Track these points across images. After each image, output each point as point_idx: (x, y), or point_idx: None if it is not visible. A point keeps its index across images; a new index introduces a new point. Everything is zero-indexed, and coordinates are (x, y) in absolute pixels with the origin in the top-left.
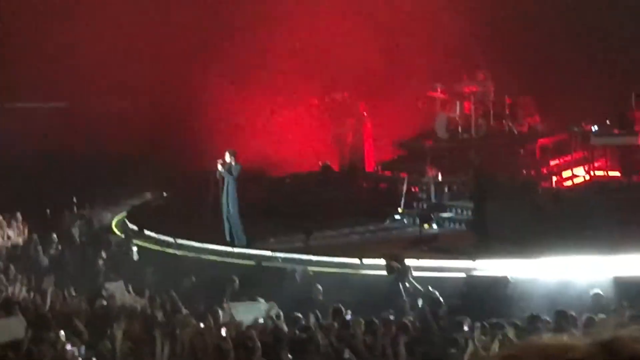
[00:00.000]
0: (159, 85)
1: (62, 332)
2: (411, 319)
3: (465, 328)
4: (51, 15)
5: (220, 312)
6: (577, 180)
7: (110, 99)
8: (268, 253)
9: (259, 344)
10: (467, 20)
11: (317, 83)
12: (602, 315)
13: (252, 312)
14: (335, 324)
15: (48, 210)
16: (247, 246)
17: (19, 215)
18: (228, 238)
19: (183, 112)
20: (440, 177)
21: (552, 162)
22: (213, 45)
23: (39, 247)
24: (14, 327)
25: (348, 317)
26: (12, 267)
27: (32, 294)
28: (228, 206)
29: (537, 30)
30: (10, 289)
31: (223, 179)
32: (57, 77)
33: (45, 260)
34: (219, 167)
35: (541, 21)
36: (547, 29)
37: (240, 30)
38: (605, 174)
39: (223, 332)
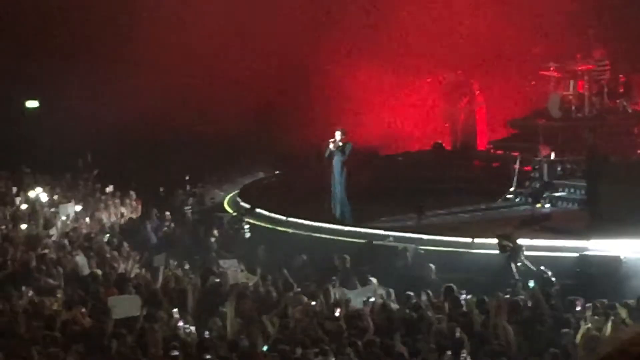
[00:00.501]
0: (273, 61)
1: (174, 310)
2: (523, 298)
3: (578, 308)
4: None
5: (332, 290)
6: None
7: (224, 75)
8: (379, 232)
9: (371, 323)
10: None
11: (431, 62)
12: None
13: (363, 295)
14: (447, 303)
15: (161, 189)
16: (354, 225)
17: (132, 193)
18: (337, 216)
19: (296, 89)
20: (553, 156)
21: None
22: (327, 20)
23: (151, 225)
24: (130, 305)
25: (462, 296)
26: (125, 244)
27: (144, 271)
28: (336, 185)
29: None
30: (123, 266)
31: (333, 157)
32: (171, 56)
33: (155, 238)
34: (330, 145)
35: None
36: None
37: (356, 5)
38: None
39: (337, 312)
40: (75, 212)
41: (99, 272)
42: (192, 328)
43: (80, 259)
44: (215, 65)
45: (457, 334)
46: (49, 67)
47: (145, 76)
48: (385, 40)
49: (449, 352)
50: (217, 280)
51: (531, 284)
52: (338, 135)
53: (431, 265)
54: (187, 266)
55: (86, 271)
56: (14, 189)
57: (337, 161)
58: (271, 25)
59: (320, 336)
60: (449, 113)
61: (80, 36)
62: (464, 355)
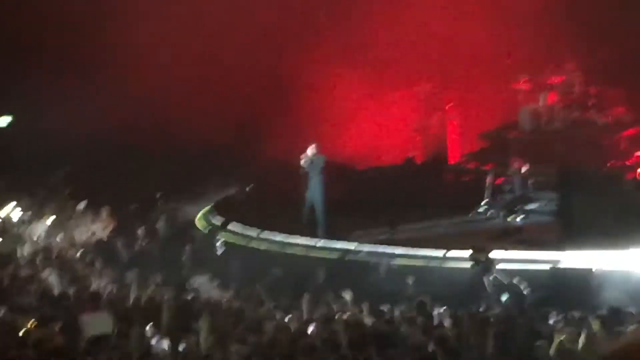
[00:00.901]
0: (246, 78)
1: (147, 327)
2: (496, 311)
3: (551, 321)
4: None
5: (305, 305)
6: None
7: (195, 89)
8: (352, 246)
9: (344, 338)
10: (553, 10)
11: (402, 75)
12: None
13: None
14: (420, 317)
15: (133, 205)
16: (329, 239)
17: (104, 209)
18: (308, 228)
19: (268, 105)
20: (524, 169)
21: (638, 153)
22: (301, 39)
23: (123, 242)
24: (102, 322)
25: (436, 311)
26: (97, 261)
27: (117, 289)
28: (311, 199)
29: (624, 19)
30: (95, 283)
31: (307, 172)
32: (144, 70)
33: (128, 255)
34: (302, 161)
35: (628, 9)
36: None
37: (332, 22)
38: None
39: (310, 328)
40: (48, 229)
41: (72, 290)
42: (166, 344)
43: (52, 277)
44: (193, 79)
45: (430, 348)
46: (23, 82)
47: (121, 90)
48: (360, 54)
49: None
50: (190, 296)
51: (504, 297)
52: (309, 150)
53: (409, 280)
54: (159, 282)
55: (58, 289)
56: None
57: (312, 177)
58: (251, 38)
59: (294, 351)
60: (420, 126)
61: (55, 49)
62: None
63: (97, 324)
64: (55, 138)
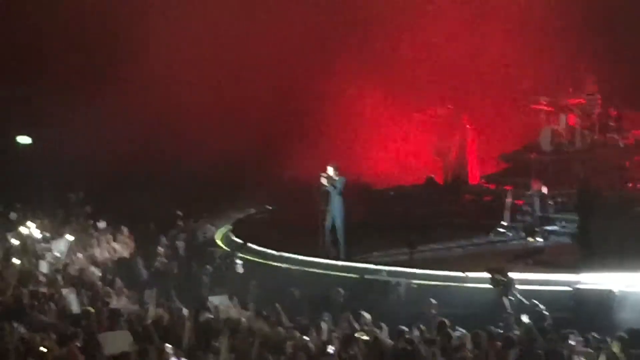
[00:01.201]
0: (267, 99)
1: (167, 345)
2: (517, 332)
3: (572, 342)
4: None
5: (324, 325)
6: None
7: (215, 110)
8: (372, 266)
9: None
10: (573, 32)
11: (422, 96)
12: None
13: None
14: (439, 338)
15: (152, 224)
16: (349, 259)
17: (124, 228)
18: (331, 252)
19: (289, 126)
20: (544, 190)
21: None
22: (322, 60)
23: (143, 261)
24: (121, 340)
25: (457, 333)
26: (117, 280)
27: (136, 307)
28: (333, 220)
29: None
30: (116, 302)
31: (328, 193)
32: (163, 91)
33: (147, 274)
34: (323, 181)
35: None
36: None
37: (354, 44)
38: None
39: (330, 349)
40: (68, 248)
41: (91, 309)
42: None
43: (71, 296)
44: (213, 99)
45: None
46: (42, 102)
47: (138, 109)
48: (381, 75)
49: None
50: (210, 315)
51: (525, 318)
52: (331, 170)
53: (432, 300)
54: (179, 302)
55: (76, 308)
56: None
57: (333, 197)
58: (271, 59)
59: None
60: (440, 147)
61: (71, 71)
62: None
63: (116, 342)
64: (75, 158)
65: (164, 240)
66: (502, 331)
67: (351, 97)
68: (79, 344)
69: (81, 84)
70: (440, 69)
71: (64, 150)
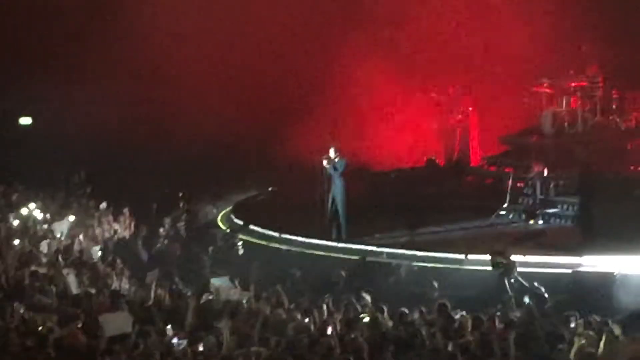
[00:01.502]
0: (267, 80)
1: (168, 327)
2: (517, 314)
3: (572, 324)
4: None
5: (325, 307)
6: None
7: (217, 92)
8: (373, 248)
9: (365, 344)
10: (576, 13)
11: (424, 79)
12: None
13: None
14: (440, 320)
15: (154, 205)
16: (350, 240)
17: (126, 209)
18: (333, 234)
19: (290, 108)
20: (546, 173)
21: None
22: (323, 43)
23: (144, 242)
24: (122, 321)
25: (457, 315)
26: (118, 261)
27: (137, 288)
28: (335, 201)
29: None
30: (116, 283)
31: (329, 175)
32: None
33: (148, 255)
34: (325, 163)
35: None
36: None
37: (354, 26)
38: None
39: (329, 329)
40: (69, 229)
41: (92, 290)
42: (186, 344)
43: (71, 277)
44: (213, 81)
45: (450, 348)
46: (43, 84)
47: (140, 90)
48: (382, 57)
49: None
50: (211, 296)
51: (526, 300)
52: (332, 152)
53: (435, 283)
54: (181, 283)
55: (76, 289)
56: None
57: (335, 179)
58: (270, 39)
59: (314, 352)
60: (442, 129)
61: (74, 52)
62: None
63: (117, 323)
64: (76, 140)
65: (165, 221)
66: (502, 313)
67: (354, 79)
68: (79, 325)
69: (82, 65)
70: (443, 52)
71: (65, 131)
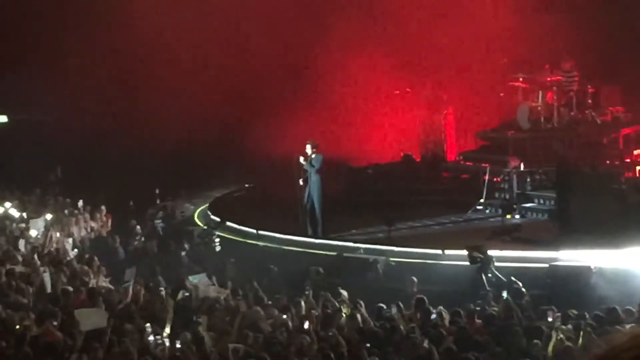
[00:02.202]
0: (243, 78)
1: (147, 324)
2: (495, 309)
3: (550, 318)
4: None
5: (302, 303)
6: None
7: (194, 89)
8: (350, 244)
9: (342, 340)
10: (551, 8)
11: (399, 75)
12: None
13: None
14: (418, 315)
15: (131, 202)
16: (327, 236)
17: (102, 207)
18: (309, 230)
19: (265, 105)
20: (522, 167)
21: (636, 152)
22: (299, 36)
23: (120, 239)
24: (97, 317)
25: (435, 311)
26: (95, 258)
27: (115, 285)
28: (311, 197)
29: (622, 17)
30: (93, 281)
31: (306, 171)
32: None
33: (124, 253)
34: (301, 159)
35: (627, 8)
36: (633, 17)
37: (330, 21)
38: None
39: (305, 324)
40: (45, 227)
41: (70, 288)
42: (166, 341)
43: (46, 276)
44: (189, 71)
45: (425, 345)
46: (18, 81)
47: (115, 88)
48: (354, 53)
49: None
50: (188, 293)
51: (504, 294)
52: (308, 148)
53: (414, 278)
54: (158, 280)
55: (54, 287)
56: None
57: (311, 175)
58: (246, 35)
59: (292, 348)
60: (418, 124)
61: (49, 49)
62: None
63: (92, 318)
64: (52, 137)
65: (142, 218)
66: (479, 308)
67: (331, 75)
68: (55, 323)
69: (57, 62)
70: (419, 48)
71: (42, 129)
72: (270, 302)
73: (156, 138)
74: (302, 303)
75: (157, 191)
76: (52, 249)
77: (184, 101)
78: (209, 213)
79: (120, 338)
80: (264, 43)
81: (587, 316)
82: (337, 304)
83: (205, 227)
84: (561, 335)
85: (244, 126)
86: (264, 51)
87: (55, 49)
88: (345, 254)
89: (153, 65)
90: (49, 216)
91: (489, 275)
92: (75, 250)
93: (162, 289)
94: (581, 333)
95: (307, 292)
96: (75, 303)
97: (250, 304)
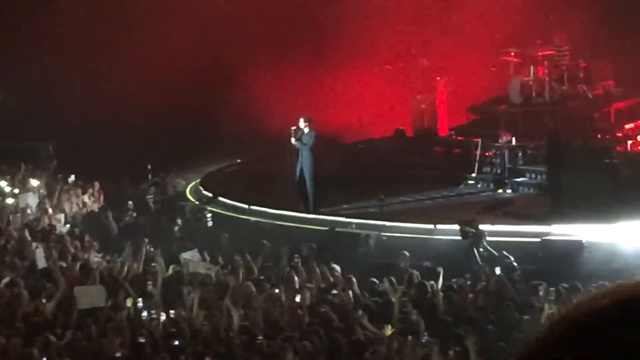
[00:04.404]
0: (237, 48)
1: (139, 299)
2: (486, 283)
3: (541, 293)
4: None
5: (295, 277)
6: None
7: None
8: (341, 219)
9: (333, 315)
10: None
11: (392, 49)
12: None
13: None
14: (413, 290)
15: (124, 178)
16: (319, 212)
17: (95, 183)
18: (301, 206)
19: (258, 79)
20: (514, 142)
21: (628, 126)
22: (291, 11)
23: (113, 214)
24: (95, 295)
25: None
26: (87, 234)
27: (107, 261)
28: (302, 173)
29: None
30: (86, 256)
31: (297, 146)
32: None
33: (118, 228)
34: (293, 133)
35: None
36: None
37: None
38: None
39: (297, 298)
40: (37, 203)
41: (63, 263)
42: (161, 317)
43: (39, 251)
44: (181, 47)
45: (414, 317)
46: (11, 56)
47: (109, 60)
48: (346, 28)
49: (410, 337)
50: (181, 268)
51: (497, 270)
52: (302, 123)
53: (406, 252)
54: (150, 255)
55: (43, 264)
56: None
57: (302, 150)
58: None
59: (284, 323)
60: (410, 99)
61: (43, 23)
62: (425, 338)
63: (91, 296)
64: (43, 112)
65: (134, 193)
66: (471, 282)
67: (322, 50)
68: (48, 300)
69: (52, 37)
70: (411, 21)
71: (34, 104)
72: (262, 277)
73: (147, 113)
74: (295, 277)
75: (149, 166)
76: (45, 225)
77: (178, 75)
78: (201, 188)
79: (114, 313)
80: (256, 19)
81: (580, 289)
82: (330, 278)
83: (197, 202)
84: (553, 310)
85: (236, 104)
86: (253, 21)
87: (45, 25)
88: (337, 229)
89: (147, 41)
90: (40, 191)
91: (481, 249)
92: (68, 225)
93: (154, 264)
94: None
95: (299, 267)
96: (69, 280)
97: (243, 278)
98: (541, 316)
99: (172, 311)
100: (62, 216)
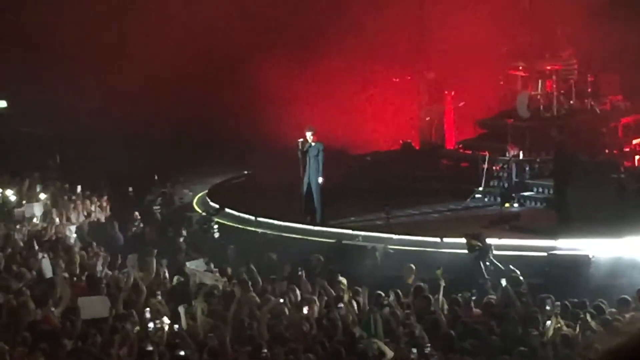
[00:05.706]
0: (242, 62)
1: (147, 309)
2: (492, 297)
3: (548, 307)
4: None
5: (297, 290)
6: None
7: (194, 75)
8: (348, 231)
9: (340, 323)
10: None
11: (400, 62)
12: None
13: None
14: (417, 302)
15: (130, 189)
16: (323, 224)
17: (102, 192)
18: (308, 218)
19: (266, 91)
20: (521, 156)
21: (635, 141)
22: (299, 22)
23: (120, 225)
24: (99, 306)
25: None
26: (94, 244)
27: (114, 271)
28: (310, 184)
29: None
30: (92, 267)
31: (305, 157)
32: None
33: (123, 238)
34: (300, 145)
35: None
36: (632, 6)
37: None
38: None
39: (305, 310)
40: (44, 212)
41: (66, 274)
42: (165, 326)
43: (45, 261)
44: (187, 59)
45: (417, 332)
46: (18, 67)
47: (110, 74)
48: (353, 40)
49: (415, 350)
50: (187, 279)
51: (503, 282)
52: (308, 134)
53: (412, 265)
54: (156, 265)
55: (50, 274)
56: None
57: (309, 160)
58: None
59: (289, 334)
60: (419, 112)
61: (48, 34)
62: (428, 350)
63: (95, 307)
64: (51, 124)
65: (140, 204)
66: (475, 297)
67: (330, 62)
68: (54, 309)
69: (57, 47)
70: (419, 35)
71: (41, 115)
72: (268, 288)
73: (156, 124)
74: (297, 290)
75: (156, 177)
76: (52, 235)
77: (183, 87)
78: (208, 199)
79: (120, 324)
80: (260, 30)
81: (588, 305)
82: (336, 290)
83: (204, 214)
84: (560, 322)
85: (244, 115)
86: (260, 35)
87: (53, 35)
88: (343, 241)
89: (152, 48)
90: (47, 201)
91: (487, 263)
92: (75, 236)
93: (160, 275)
94: (579, 323)
95: (302, 278)
96: (75, 290)
97: (248, 291)
98: (548, 328)
99: (176, 325)
100: (72, 227)
